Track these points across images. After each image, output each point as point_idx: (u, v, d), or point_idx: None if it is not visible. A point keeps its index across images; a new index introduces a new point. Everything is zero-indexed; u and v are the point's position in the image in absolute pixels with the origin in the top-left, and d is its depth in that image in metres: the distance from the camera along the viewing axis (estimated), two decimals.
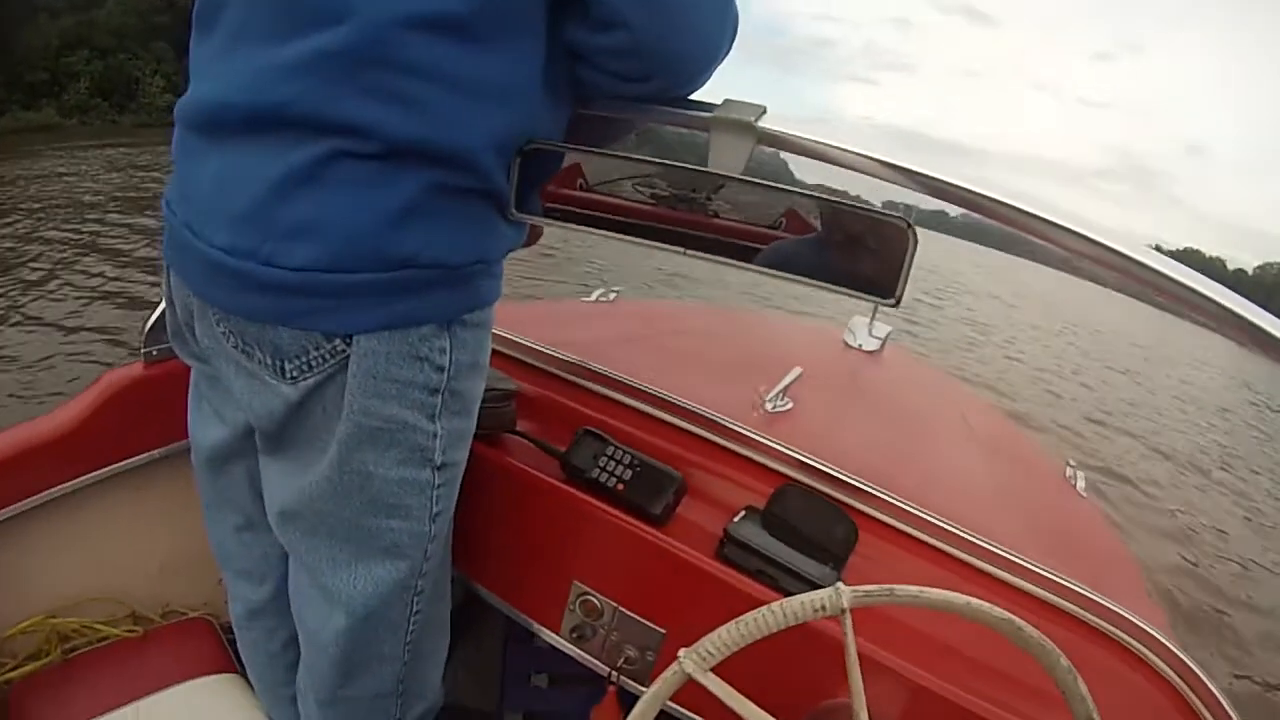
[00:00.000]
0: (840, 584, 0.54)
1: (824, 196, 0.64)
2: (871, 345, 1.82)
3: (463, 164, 0.61)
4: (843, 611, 0.54)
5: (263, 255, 0.60)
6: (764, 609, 0.54)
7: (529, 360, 1.09)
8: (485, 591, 0.92)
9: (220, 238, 0.61)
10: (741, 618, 0.55)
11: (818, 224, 0.66)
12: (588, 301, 1.84)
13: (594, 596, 0.84)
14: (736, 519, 0.83)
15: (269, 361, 0.64)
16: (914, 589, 0.54)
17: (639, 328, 1.71)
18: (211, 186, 0.63)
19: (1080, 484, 1.70)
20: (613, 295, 1.85)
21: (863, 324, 1.86)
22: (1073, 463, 1.80)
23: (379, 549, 0.71)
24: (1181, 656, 0.80)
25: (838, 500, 0.91)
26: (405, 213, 0.60)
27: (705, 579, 0.78)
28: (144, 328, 0.97)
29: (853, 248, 0.63)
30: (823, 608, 0.54)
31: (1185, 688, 0.80)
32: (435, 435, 0.68)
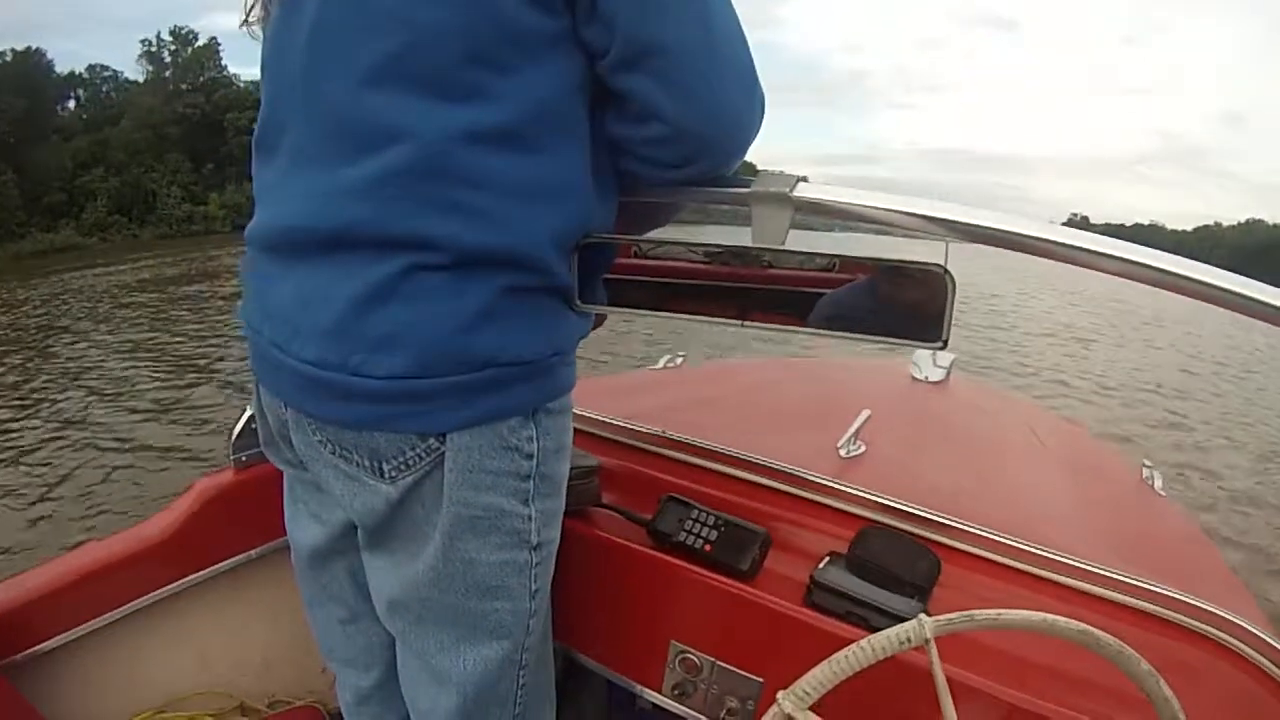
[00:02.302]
0: (923, 615, 0.59)
1: (861, 257, 0.69)
2: (937, 375, 1.89)
3: (528, 265, 0.68)
4: (927, 641, 0.59)
5: (352, 367, 0.66)
6: (853, 646, 0.59)
7: (607, 435, 1.17)
8: (587, 659, 0.99)
9: (309, 353, 0.68)
10: (833, 656, 0.60)
11: (868, 271, 0.72)
12: (655, 369, 1.94)
13: (692, 654, 0.89)
14: (821, 565, 0.89)
15: (368, 464, 0.71)
16: (992, 612, 0.59)
17: (709, 390, 1.80)
18: (293, 304, 0.70)
19: (1158, 483, 1.72)
20: (679, 360, 1.95)
21: (926, 356, 1.92)
22: (1148, 463, 1.82)
23: (484, 630, 0.77)
24: (1272, 642, 0.82)
25: (917, 535, 0.96)
26: (481, 316, 0.67)
27: (797, 626, 0.84)
28: (230, 436, 1.07)
29: (896, 299, 0.69)
30: (908, 639, 0.59)
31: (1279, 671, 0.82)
32: (530, 518, 0.75)
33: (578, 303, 0.74)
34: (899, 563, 0.89)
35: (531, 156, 0.67)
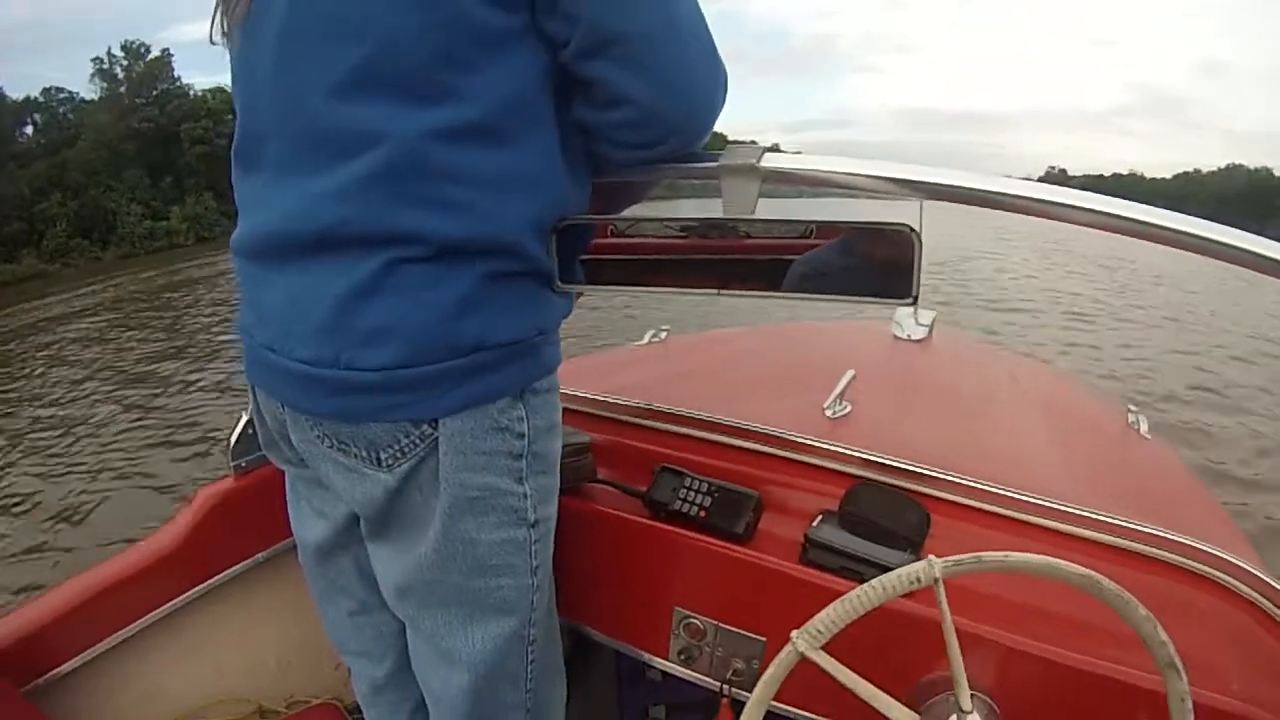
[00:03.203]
0: (932, 557, 0.63)
1: (832, 222, 0.73)
2: (919, 333, 1.91)
3: (509, 251, 0.72)
4: (936, 581, 0.63)
5: (344, 362, 0.70)
6: (865, 586, 0.63)
7: (598, 412, 1.20)
8: (594, 633, 1.03)
9: (301, 352, 0.72)
10: (845, 596, 0.64)
11: (838, 235, 0.76)
12: (641, 345, 1.96)
13: (695, 619, 0.93)
14: (814, 524, 0.93)
15: (365, 454, 0.75)
16: (999, 554, 0.63)
17: (695, 361, 1.84)
18: (283, 307, 0.74)
19: (1144, 427, 1.76)
20: (663, 334, 1.97)
21: (908, 314, 1.93)
22: (1134, 408, 1.86)
23: (490, 607, 0.81)
24: (1265, 578, 0.86)
25: (906, 489, 1.00)
26: (465, 304, 0.70)
27: (794, 584, 0.88)
28: (228, 444, 1.09)
29: (866, 260, 0.73)
30: (918, 579, 0.63)
31: (1273, 607, 0.86)
32: (525, 495, 0.78)
33: (558, 284, 0.77)
34: (889, 517, 0.93)
35: (504, 149, 0.70)
